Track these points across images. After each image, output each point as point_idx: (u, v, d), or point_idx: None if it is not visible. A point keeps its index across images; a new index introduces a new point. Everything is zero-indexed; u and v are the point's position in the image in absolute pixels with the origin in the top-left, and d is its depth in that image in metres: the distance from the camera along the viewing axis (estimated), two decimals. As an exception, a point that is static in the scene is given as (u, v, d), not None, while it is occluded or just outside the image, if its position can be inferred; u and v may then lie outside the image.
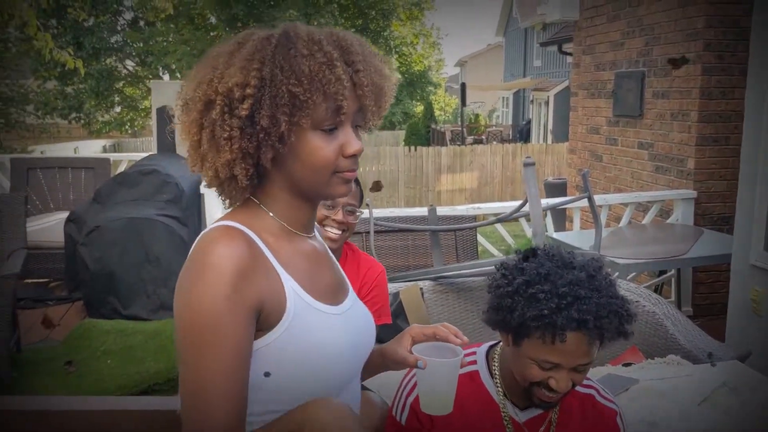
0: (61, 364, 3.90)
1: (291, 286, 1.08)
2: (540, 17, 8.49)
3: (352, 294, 1.25)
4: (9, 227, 4.05)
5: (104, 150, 17.95)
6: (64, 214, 5.02)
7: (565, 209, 6.57)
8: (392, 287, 3.28)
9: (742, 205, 3.69)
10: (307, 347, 1.06)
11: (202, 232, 1.08)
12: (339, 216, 2.18)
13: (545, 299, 1.40)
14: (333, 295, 1.17)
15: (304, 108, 1.02)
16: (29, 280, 5.31)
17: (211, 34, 22.44)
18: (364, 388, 2.23)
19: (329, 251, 1.26)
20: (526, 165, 3.18)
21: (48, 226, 5.25)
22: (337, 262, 1.27)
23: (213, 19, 22.90)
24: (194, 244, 1.06)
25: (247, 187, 1.10)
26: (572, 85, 7.39)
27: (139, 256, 4.40)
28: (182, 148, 1.18)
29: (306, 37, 1.04)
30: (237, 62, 1.04)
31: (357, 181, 2.23)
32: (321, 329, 1.09)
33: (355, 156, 1.09)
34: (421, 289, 3.35)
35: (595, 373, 2.65)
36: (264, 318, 1.04)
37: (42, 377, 3.78)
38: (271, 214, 1.12)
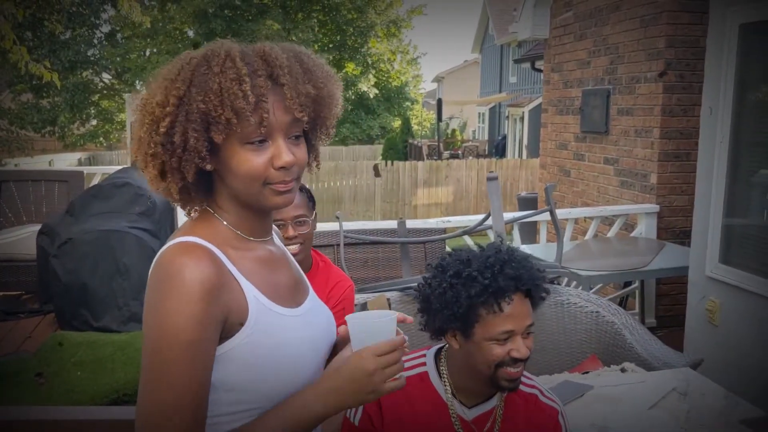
0: (32, 376, 3.91)
1: (252, 293, 1.13)
2: (512, 35, 8.67)
3: (312, 294, 1.30)
4: (-20, 239, 4.07)
5: (80, 163, 17.87)
6: (37, 227, 5.02)
7: (535, 223, 6.70)
8: (361, 297, 3.35)
9: (699, 219, 3.83)
10: (269, 349, 1.12)
11: (164, 248, 1.11)
12: (290, 232, 2.22)
13: (480, 274, 1.58)
14: (292, 297, 1.23)
15: (216, 124, 1.07)
16: (1, 293, 5.31)
17: (190, 48, 22.42)
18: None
19: (287, 254, 1.32)
20: (489, 179, 3.28)
21: (20, 239, 5.25)
22: (296, 264, 1.33)
23: (191, 33, 22.93)
24: (157, 260, 1.09)
25: (180, 200, 1.15)
26: (543, 101, 7.57)
27: (110, 269, 4.42)
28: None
29: (223, 54, 1.09)
30: (163, 82, 1.10)
31: (306, 191, 2.30)
32: (281, 331, 1.15)
33: (285, 168, 1.11)
34: (388, 299, 3.42)
35: (552, 380, 2.75)
36: (228, 327, 1.09)
37: (12, 389, 3.78)
38: (225, 223, 1.17)
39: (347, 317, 1.17)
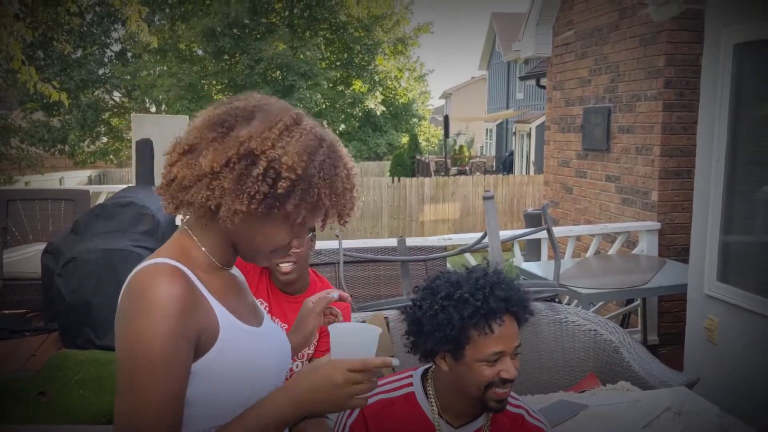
0: (35, 394, 3.94)
1: (222, 313, 1.20)
2: (516, 53, 8.73)
3: (266, 315, 1.39)
4: (-14, 258, 4.12)
5: (90, 180, 18.00)
6: (43, 245, 5.08)
7: (540, 240, 6.71)
8: (359, 316, 3.37)
9: (696, 237, 3.83)
10: (241, 363, 1.18)
11: (137, 268, 1.16)
12: None
13: (471, 296, 1.61)
14: (255, 317, 1.31)
15: (318, 214, 1.20)
16: (6, 311, 5.35)
17: (199, 66, 22.64)
18: (320, 414, 2.33)
19: (244, 280, 1.39)
20: (485, 198, 3.31)
21: (26, 257, 5.30)
22: (249, 290, 1.40)
23: (200, 52, 23.14)
24: (130, 280, 1.15)
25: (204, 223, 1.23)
26: (546, 119, 7.61)
27: (114, 287, 4.42)
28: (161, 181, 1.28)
29: (346, 158, 1.22)
30: (291, 146, 1.15)
31: None
32: (250, 346, 1.22)
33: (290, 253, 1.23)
34: (386, 318, 3.44)
35: (547, 399, 2.76)
36: (201, 344, 1.15)
37: (15, 407, 3.82)
38: (203, 249, 1.23)
39: (330, 327, 1.21)
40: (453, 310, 1.61)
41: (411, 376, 1.73)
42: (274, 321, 2.07)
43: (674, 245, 5.24)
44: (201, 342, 1.14)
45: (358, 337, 1.16)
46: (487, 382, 1.58)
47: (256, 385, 1.20)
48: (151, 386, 1.07)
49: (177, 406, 1.10)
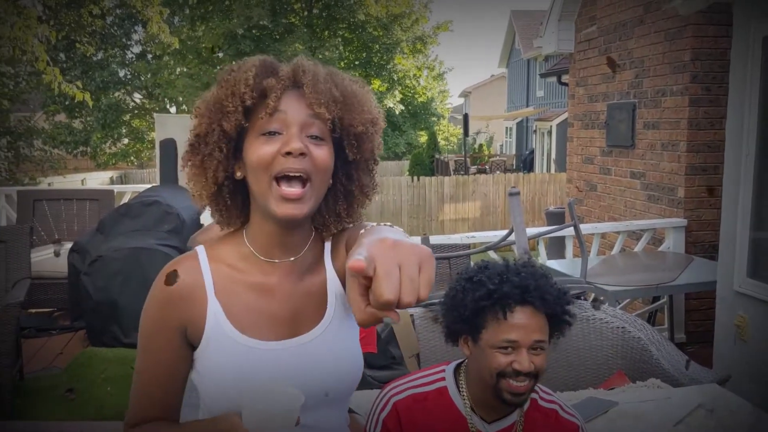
0: (63, 392, 3.98)
1: (215, 313, 1.17)
2: (537, 50, 8.67)
3: (318, 330, 1.20)
4: (14, 258, 4.18)
5: (111, 181, 18.17)
6: (69, 245, 5.13)
7: (563, 238, 6.66)
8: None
9: (726, 233, 3.78)
10: (216, 372, 1.16)
11: None
12: None
13: (489, 279, 1.62)
14: (276, 328, 1.19)
15: (227, 114, 1.12)
16: (34, 310, 5.41)
17: (218, 68, 22.73)
18: (350, 411, 2.32)
19: (318, 283, 1.23)
20: (511, 195, 3.28)
21: (52, 257, 5.36)
22: (311, 297, 1.22)
23: (220, 53, 23.26)
24: None
25: (218, 212, 1.23)
26: (568, 115, 7.54)
27: (140, 286, 4.49)
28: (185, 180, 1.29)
29: (248, 60, 1.19)
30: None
31: None
32: (235, 359, 1.15)
33: (290, 154, 1.09)
34: (411, 315, 3.43)
35: (576, 396, 2.73)
36: (190, 335, 1.19)
37: (44, 404, 3.86)
38: (246, 241, 1.20)
39: (247, 393, 1.09)
40: (470, 290, 1.64)
41: (443, 370, 1.72)
42: None
43: (701, 242, 5.17)
44: (189, 333, 1.18)
45: (269, 411, 1.04)
46: (499, 369, 1.56)
47: (238, 399, 1.10)
48: (141, 361, 1.20)
49: (164, 384, 1.19)
